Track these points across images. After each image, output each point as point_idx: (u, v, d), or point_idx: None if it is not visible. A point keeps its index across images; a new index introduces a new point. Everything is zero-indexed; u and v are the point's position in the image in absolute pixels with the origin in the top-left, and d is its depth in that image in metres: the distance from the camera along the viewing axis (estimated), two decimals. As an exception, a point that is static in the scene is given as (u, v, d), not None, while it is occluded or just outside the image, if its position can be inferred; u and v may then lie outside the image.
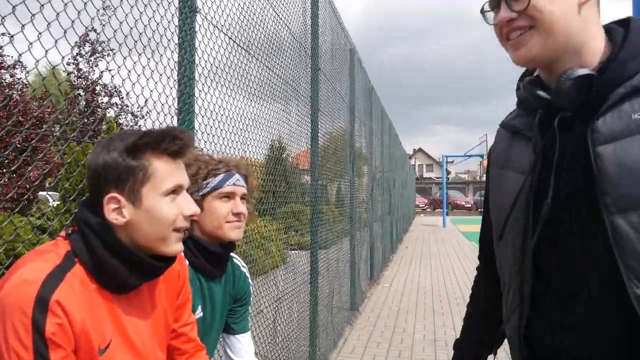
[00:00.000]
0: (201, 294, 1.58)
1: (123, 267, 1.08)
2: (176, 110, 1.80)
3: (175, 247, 1.13)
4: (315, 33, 4.27)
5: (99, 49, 10.17)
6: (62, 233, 1.12)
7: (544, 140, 1.13)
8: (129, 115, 9.78)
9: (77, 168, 2.26)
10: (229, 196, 1.56)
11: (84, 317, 1.01)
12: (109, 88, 9.90)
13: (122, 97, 8.85)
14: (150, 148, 1.09)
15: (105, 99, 10.57)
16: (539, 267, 1.13)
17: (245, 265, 1.80)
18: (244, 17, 2.54)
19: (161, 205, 1.09)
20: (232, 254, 1.69)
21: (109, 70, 1.76)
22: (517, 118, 1.23)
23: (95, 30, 1.65)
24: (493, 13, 1.13)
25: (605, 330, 1.03)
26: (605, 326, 1.03)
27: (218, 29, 2.13)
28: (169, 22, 1.78)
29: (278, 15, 3.19)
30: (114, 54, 1.73)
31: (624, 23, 1.12)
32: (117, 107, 10.15)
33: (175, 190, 1.12)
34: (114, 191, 1.08)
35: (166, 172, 1.10)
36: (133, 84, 1.70)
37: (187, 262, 1.43)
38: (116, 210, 1.08)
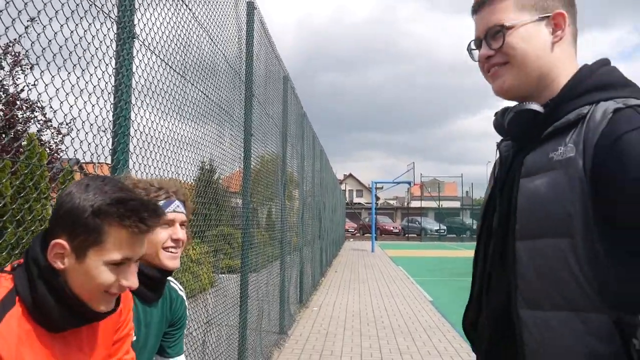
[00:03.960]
0: (136, 318, 1.56)
1: (62, 309, 1.08)
2: (112, 133, 1.83)
3: (102, 307, 1.13)
4: (249, 60, 4.37)
5: (23, 62, 9.68)
6: (8, 267, 1.12)
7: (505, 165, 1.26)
8: (52, 130, 9.34)
9: None
10: (169, 223, 1.55)
11: (19, 358, 1.01)
12: (31, 103, 9.41)
13: (45, 113, 8.37)
14: (116, 219, 1.08)
15: (26, 114, 10.01)
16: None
17: (182, 288, 1.80)
18: (181, 43, 2.60)
19: (101, 271, 1.09)
20: (169, 277, 1.70)
21: (34, 84, 1.58)
22: (504, 141, 1.34)
23: (19, 42, 1.55)
24: (478, 51, 1.26)
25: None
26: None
27: (155, 54, 2.18)
28: (107, 47, 1.81)
29: (214, 43, 3.26)
30: (43, 69, 1.60)
31: (600, 64, 1.17)
32: (40, 123, 9.66)
33: (122, 262, 1.11)
34: (64, 238, 1.08)
35: (119, 244, 1.09)
36: (61, 101, 1.63)
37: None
38: (58, 255, 1.08)
